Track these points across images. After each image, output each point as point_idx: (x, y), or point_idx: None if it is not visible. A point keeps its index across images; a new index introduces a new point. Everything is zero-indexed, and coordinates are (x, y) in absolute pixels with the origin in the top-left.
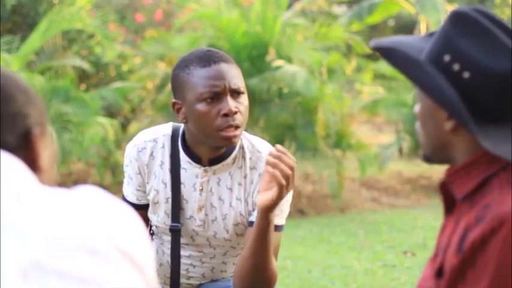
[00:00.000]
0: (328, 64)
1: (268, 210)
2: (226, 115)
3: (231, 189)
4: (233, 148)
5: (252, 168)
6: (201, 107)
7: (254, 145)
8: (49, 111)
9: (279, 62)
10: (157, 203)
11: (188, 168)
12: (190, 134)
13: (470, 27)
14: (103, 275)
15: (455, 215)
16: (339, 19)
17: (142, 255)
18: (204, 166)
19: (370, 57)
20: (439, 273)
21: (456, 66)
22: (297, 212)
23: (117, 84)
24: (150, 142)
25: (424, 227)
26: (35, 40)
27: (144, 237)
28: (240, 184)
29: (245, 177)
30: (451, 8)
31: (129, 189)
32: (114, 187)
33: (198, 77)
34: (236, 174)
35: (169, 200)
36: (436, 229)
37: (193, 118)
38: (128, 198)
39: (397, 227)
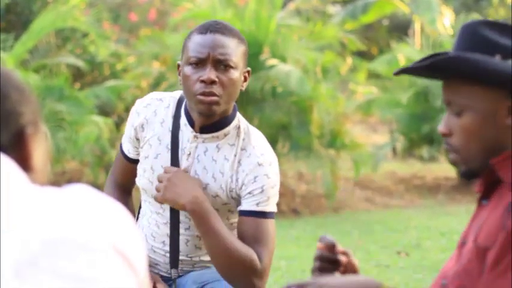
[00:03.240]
0: (323, 63)
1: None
2: (203, 81)
3: (215, 161)
4: (226, 123)
5: (243, 149)
6: (187, 70)
7: (250, 131)
8: (43, 110)
9: (273, 62)
10: (147, 157)
11: (184, 130)
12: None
13: (502, 28)
14: (97, 274)
15: (492, 201)
16: (333, 18)
17: (135, 254)
18: (196, 132)
19: (364, 56)
20: (477, 250)
21: (510, 62)
22: (291, 211)
23: (112, 83)
24: (157, 100)
25: (418, 227)
26: (29, 38)
27: (137, 236)
28: (226, 159)
29: (235, 155)
30: (445, 8)
31: (125, 139)
32: None
33: (192, 42)
34: (224, 148)
35: (159, 156)
36: (429, 229)
37: (182, 79)
38: (123, 147)
39: (391, 227)
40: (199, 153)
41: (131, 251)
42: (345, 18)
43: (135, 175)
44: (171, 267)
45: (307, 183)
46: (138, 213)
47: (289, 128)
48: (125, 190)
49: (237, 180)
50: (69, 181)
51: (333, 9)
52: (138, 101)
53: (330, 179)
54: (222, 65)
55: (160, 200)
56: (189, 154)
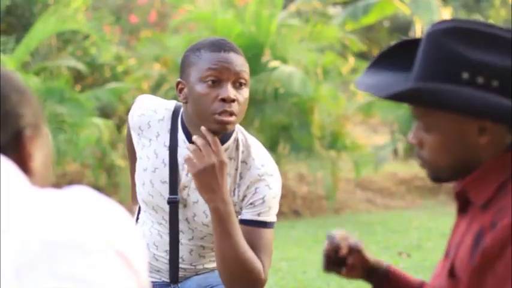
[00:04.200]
0: (324, 65)
1: (201, 191)
2: (223, 100)
3: None
4: (227, 138)
5: (243, 162)
6: (201, 88)
7: (248, 143)
8: (44, 112)
9: (275, 63)
10: (146, 170)
11: (182, 146)
12: (188, 115)
13: (470, 36)
14: (97, 275)
15: (468, 216)
16: (333, 19)
17: (136, 256)
18: None
19: (365, 57)
20: (451, 273)
21: (480, 80)
22: (292, 212)
23: (112, 85)
24: (151, 111)
25: (419, 228)
26: (29, 41)
27: (137, 238)
28: (228, 174)
29: (236, 169)
30: (445, 9)
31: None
32: (109, 188)
33: (205, 60)
34: None
35: (157, 171)
36: (431, 230)
37: (192, 98)
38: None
39: (392, 228)
40: None
41: (131, 252)
42: (345, 19)
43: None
44: (171, 281)
45: (308, 184)
46: (137, 217)
47: (290, 129)
48: None
49: (238, 193)
50: (70, 183)
51: (334, 10)
52: (133, 106)
53: (330, 180)
54: (238, 83)
55: (193, 172)
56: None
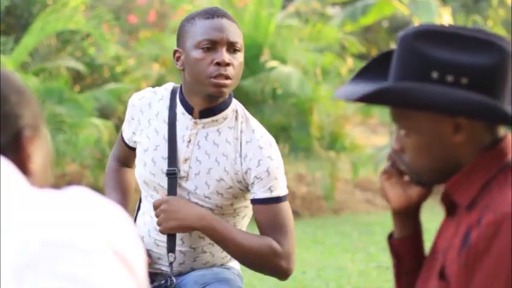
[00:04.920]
0: (323, 65)
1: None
2: (218, 64)
3: (217, 145)
4: (225, 107)
5: (242, 132)
6: (197, 53)
7: (246, 115)
8: (43, 113)
9: (273, 63)
10: (147, 150)
11: (181, 119)
12: (186, 82)
13: (440, 38)
14: (96, 276)
15: (456, 219)
16: (332, 20)
17: (134, 256)
18: (195, 118)
19: (364, 58)
20: (441, 275)
21: (449, 78)
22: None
23: (111, 86)
24: (151, 93)
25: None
26: (28, 41)
27: (136, 239)
28: (228, 142)
29: (236, 138)
30: (444, 9)
31: (126, 129)
32: None
33: (200, 27)
34: (225, 132)
35: (159, 148)
36: (429, 231)
37: (189, 64)
38: (123, 134)
39: (391, 228)
40: (200, 139)
41: (130, 253)
42: (344, 19)
43: (135, 156)
44: (168, 252)
45: (307, 185)
46: (137, 211)
47: (289, 129)
48: (124, 164)
49: (241, 164)
50: (69, 184)
51: (332, 10)
52: (134, 94)
53: (329, 181)
54: (232, 48)
55: (166, 231)
56: (189, 141)
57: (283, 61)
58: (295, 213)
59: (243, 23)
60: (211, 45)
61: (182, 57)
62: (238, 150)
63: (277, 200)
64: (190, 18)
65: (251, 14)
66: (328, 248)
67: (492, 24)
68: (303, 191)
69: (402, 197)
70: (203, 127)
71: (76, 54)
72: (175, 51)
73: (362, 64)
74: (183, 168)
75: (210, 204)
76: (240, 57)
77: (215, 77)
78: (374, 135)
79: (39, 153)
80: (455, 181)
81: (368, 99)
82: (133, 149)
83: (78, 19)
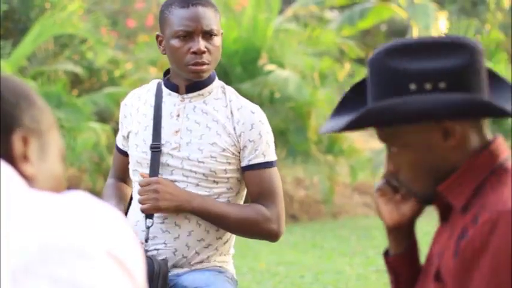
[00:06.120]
0: (320, 69)
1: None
2: (194, 53)
3: (206, 113)
4: (209, 82)
5: (231, 101)
6: (175, 42)
7: (237, 94)
8: (52, 119)
9: (271, 67)
10: (137, 133)
11: (167, 100)
12: (170, 64)
13: (409, 50)
14: (94, 280)
15: (450, 223)
16: (330, 24)
17: (132, 260)
18: (181, 94)
19: (362, 62)
20: (436, 277)
21: (428, 86)
22: (289, 217)
23: (109, 90)
24: (139, 89)
25: (417, 232)
26: (26, 45)
27: (134, 243)
28: (216, 110)
29: (225, 106)
30: (441, 13)
31: (119, 135)
32: None
33: (176, 16)
34: (212, 102)
35: (148, 128)
36: (428, 234)
37: (169, 51)
38: (117, 143)
39: None
40: (188, 112)
41: (128, 257)
42: (342, 23)
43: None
44: (146, 218)
45: (306, 188)
46: (128, 206)
47: (287, 133)
48: (121, 179)
49: (234, 128)
50: (68, 188)
51: (331, 14)
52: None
53: (327, 185)
54: (207, 34)
55: (153, 211)
56: (178, 115)
57: (281, 65)
58: (294, 217)
59: (241, 26)
60: (187, 35)
61: (164, 43)
62: (229, 116)
63: (270, 164)
64: (168, 5)
65: (249, 18)
66: (327, 251)
67: (490, 27)
68: (301, 195)
69: (395, 214)
70: (190, 101)
71: (74, 58)
72: (157, 36)
73: (360, 68)
74: (173, 139)
75: (204, 169)
76: (217, 41)
77: (192, 65)
78: (372, 139)
79: (42, 157)
80: (448, 184)
81: (353, 125)
82: (127, 155)
83: (76, 23)
